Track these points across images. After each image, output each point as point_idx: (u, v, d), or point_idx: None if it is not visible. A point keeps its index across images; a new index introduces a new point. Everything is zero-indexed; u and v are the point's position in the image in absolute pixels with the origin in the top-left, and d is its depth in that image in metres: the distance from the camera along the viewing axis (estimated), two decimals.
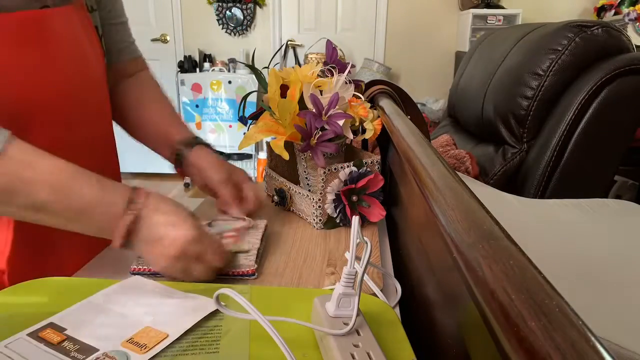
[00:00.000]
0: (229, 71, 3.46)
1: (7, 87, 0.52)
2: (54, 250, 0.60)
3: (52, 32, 0.57)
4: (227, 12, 3.51)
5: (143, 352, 0.38)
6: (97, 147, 0.66)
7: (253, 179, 3.46)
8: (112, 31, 0.73)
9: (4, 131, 0.46)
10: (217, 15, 3.52)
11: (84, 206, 0.47)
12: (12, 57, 0.52)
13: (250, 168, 3.62)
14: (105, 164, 0.68)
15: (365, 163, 0.69)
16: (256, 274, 0.54)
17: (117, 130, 0.75)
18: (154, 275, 0.53)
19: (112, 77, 0.73)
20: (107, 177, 0.49)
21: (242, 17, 3.52)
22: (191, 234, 0.49)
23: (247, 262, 0.55)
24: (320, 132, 0.64)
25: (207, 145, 0.72)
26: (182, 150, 0.70)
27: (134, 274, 0.54)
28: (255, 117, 0.76)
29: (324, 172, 0.66)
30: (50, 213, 0.47)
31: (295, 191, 0.73)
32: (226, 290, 0.38)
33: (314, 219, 0.69)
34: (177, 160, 0.71)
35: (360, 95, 0.73)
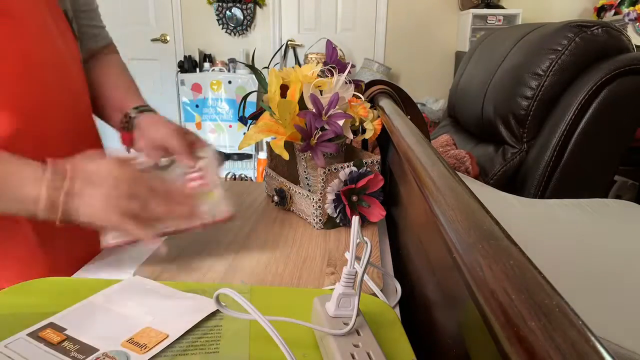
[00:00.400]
0: (229, 71, 3.46)
1: None
2: (54, 251, 0.59)
3: (12, 9, 0.54)
4: (227, 12, 3.51)
5: (143, 352, 0.38)
6: (73, 134, 0.63)
7: (253, 179, 3.47)
8: (83, 18, 0.72)
9: None
10: (217, 15, 3.52)
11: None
12: None
13: (250, 168, 3.62)
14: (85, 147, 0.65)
15: (365, 163, 0.69)
16: (235, 217, 0.53)
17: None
18: (130, 244, 0.51)
19: (83, 61, 0.71)
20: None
21: (242, 17, 3.52)
22: (119, 170, 0.48)
23: (222, 206, 0.53)
24: (320, 132, 0.64)
25: (154, 111, 0.70)
26: (132, 114, 0.67)
27: (110, 247, 0.52)
28: (255, 117, 0.76)
29: (324, 172, 0.66)
30: None
31: (295, 191, 0.73)
32: (226, 290, 0.38)
33: (314, 219, 0.69)
34: (127, 124, 0.67)
35: (360, 95, 0.73)
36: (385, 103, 0.84)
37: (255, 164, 3.50)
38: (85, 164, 0.49)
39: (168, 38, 3.60)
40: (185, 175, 0.58)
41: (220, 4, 3.49)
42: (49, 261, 0.59)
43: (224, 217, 0.52)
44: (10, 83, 0.53)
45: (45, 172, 0.47)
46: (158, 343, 0.39)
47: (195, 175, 0.57)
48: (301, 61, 3.52)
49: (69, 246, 0.60)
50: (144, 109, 0.68)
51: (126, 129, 0.67)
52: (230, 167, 3.66)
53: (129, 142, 0.67)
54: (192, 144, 0.63)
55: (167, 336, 0.39)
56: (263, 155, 3.32)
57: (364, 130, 0.73)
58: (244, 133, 0.71)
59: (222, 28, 3.56)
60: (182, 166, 0.59)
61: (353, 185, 0.67)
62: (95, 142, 0.70)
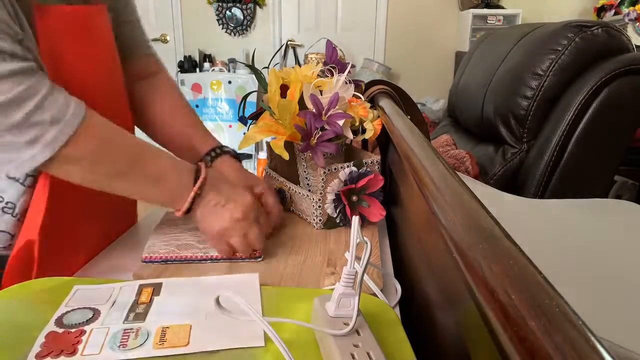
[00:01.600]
0: (229, 71, 3.46)
1: (64, 78, 0.52)
2: (80, 228, 0.61)
3: (95, 28, 0.59)
4: (227, 12, 3.51)
5: (158, 346, 0.38)
6: None
7: None
8: (127, 28, 0.72)
9: (81, 104, 0.48)
10: (217, 15, 3.52)
11: (159, 175, 0.53)
12: (70, 49, 0.54)
13: (250, 168, 3.62)
14: None
15: (365, 163, 0.69)
16: (262, 257, 0.58)
17: None
18: (164, 262, 0.56)
19: (127, 76, 0.72)
20: None
21: (242, 17, 3.52)
22: (251, 200, 0.57)
23: None
24: (320, 132, 0.64)
25: (230, 153, 0.72)
26: (207, 161, 0.70)
27: (146, 262, 0.56)
28: (255, 117, 0.76)
29: (324, 172, 0.66)
30: (126, 181, 0.52)
31: (295, 191, 0.73)
32: (227, 291, 0.38)
33: (314, 219, 0.69)
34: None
35: (360, 95, 0.73)
36: (385, 103, 0.84)
37: (255, 164, 3.50)
38: (228, 189, 0.57)
39: (168, 38, 3.60)
40: None
41: (220, 4, 3.48)
42: (77, 235, 0.61)
43: (251, 254, 0.58)
44: (96, 98, 0.56)
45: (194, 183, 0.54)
46: (174, 346, 0.39)
47: None
48: (301, 61, 3.52)
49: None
50: (213, 153, 0.71)
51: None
52: None
53: None
54: (258, 197, 0.68)
55: (187, 344, 0.39)
56: (263, 155, 3.31)
57: (364, 130, 0.73)
58: (244, 133, 0.71)
59: (222, 28, 3.56)
60: None
61: (353, 185, 0.67)
62: None
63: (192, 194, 0.53)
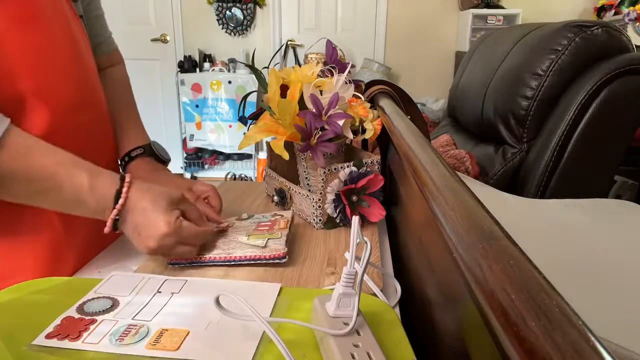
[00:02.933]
0: (229, 71, 3.46)
1: (5, 69, 0.51)
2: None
3: (47, 15, 0.56)
4: (227, 12, 3.51)
5: (150, 346, 0.39)
6: (93, 134, 0.66)
7: (253, 179, 3.47)
8: (90, 24, 0.72)
9: (5, 120, 0.47)
10: (217, 15, 3.52)
11: (76, 197, 0.50)
12: (11, 37, 0.51)
13: (250, 168, 3.62)
14: (100, 150, 0.67)
15: (365, 163, 0.69)
16: (287, 257, 0.57)
17: None
18: (190, 264, 0.57)
19: None
20: (101, 165, 0.53)
21: (242, 17, 3.52)
22: (164, 231, 0.52)
23: (277, 246, 0.58)
24: (320, 132, 0.64)
25: (146, 155, 0.72)
26: (123, 162, 0.72)
27: (171, 263, 0.57)
28: (255, 117, 0.76)
29: (324, 172, 0.66)
30: (44, 200, 0.50)
31: (295, 191, 0.73)
32: (228, 292, 0.38)
33: (314, 219, 0.69)
34: (123, 168, 0.72)
35: (360, 95, 0.73)
36: (385, 103, 0.84)
37: (255, 164, 3.50)
38: (144, 215, 0.53)
39: (168, 38, 3.60)
40: (258, 223, 0.66)
41: (220, 4, 3.48)
42: (74, 247, 0.60)
43: (277, 254, 0.56)
44: (48, 87, 0.55)
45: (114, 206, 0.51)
46: (165, 349, 0.39)
47: (265, 223, 0.66)
48: (301, 61, 3.52)
49: (93, 230, 0.60)
50: (133, 153, 0.71)
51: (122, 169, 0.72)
52: (230, 167, 3.66)
53: None
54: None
55: (177, 349, 0.39)
56: (263, 155, 3.32)
57: (364, 130, 0.73)
58: (244, 133, 0.71)
59: (222, 28, 3.55)
60: (257, 217, 0.69)
61: (353, 185, 0.67)
62: (107, 138, 0.71)
63: (110, 221, 0.51)
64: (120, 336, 0.40)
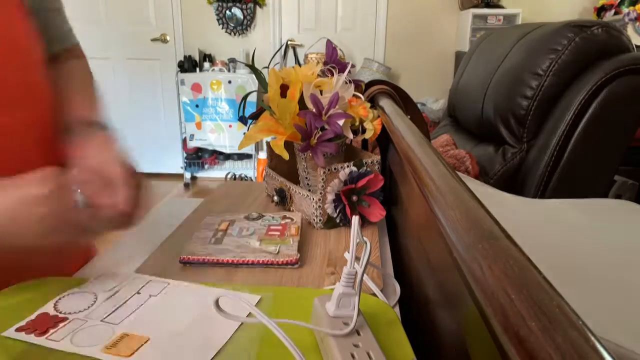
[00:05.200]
0: (229, 71, 3.46)
1: None
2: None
3: None
4: (227, 12, 3.51)
5: (106, 350, 0.39)
6: (34, 132, 0.59)
7: (253, 179, 3.46)
8: (46, 18, 0.67)
9: None
10: (217, 15, 3.52)
11: None
12: None
13: (250, 168, 3.62)
14: (41, 149, 0.60)
15: (365, 163, 0.69)
16: (299, 263, 0.57)
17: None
18: (203, 264, 0.57)
19: (48, 62, 0.67)
20: (37, 166, 0.47)
21: (242, 17, 3.52)
22: (45, 187, 0.46)
23: (290, 252, 0.58)
24: (320, 132, 0.64)
25: (103, 131, 0.61)
26: (70, 132, 0.60)
27: (183, 262, 0.57)
28: (255, 117, 0.76)
29: (324, 172, 0.66)
30: None
31: (295, 191, 0.73)
32: (229, 293, 0.38)
33: (314, 219, 0.69)
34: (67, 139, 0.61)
35: (360, 95, 0.73)
36: (385, 103, 0.84)
37: (255, 164, 3.50)
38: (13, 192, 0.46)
39: (168, 38, 3.60)
40: (269, 226, 0.66)
41: (220, 4, 3.48)
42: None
43: (288, 260, 0.57)
44: None
45: None
46: (132, 353, 0.39)
47: (275, 227, 0.66)
48: (301, 61, 3.52)
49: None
50: (83, 125, 0.60)
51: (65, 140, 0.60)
52: (230, 167, 3.66)
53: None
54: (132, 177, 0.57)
55: (130, 355, 0.39)
56: (263, 155, 3.32)
57: (364, 130, 0.73)
58: (244, 133, 0.71)
59: (222, 28, 3.56)
60: (267, 218, 0.69)
61: (353, 185, 0.67)
62: (48, 139, 0.62)
63: None
64: (82, 337, 0.41)
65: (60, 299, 0.47)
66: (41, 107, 0.62)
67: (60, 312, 0.44)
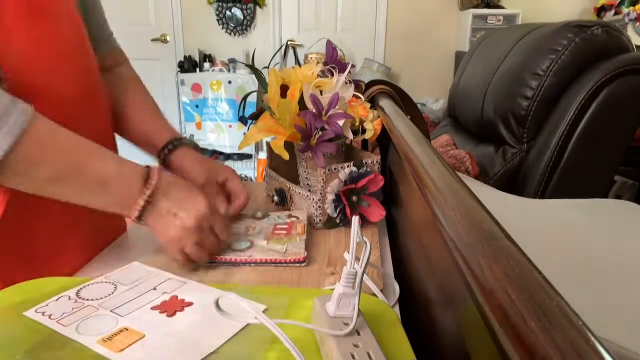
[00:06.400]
0: (229, 71, 3.46)
1: (17, 58, 0.49)
2: (48, 251, 0.58)
3: (55, 8, 0.55)
4: (227, 12, 3.51)
5: (102, 342, 0.39)
6: (98, 128, 0.64)
7: (253, 179, 3.46)
8: (91, 21, 0.69)
9: (28, 106, 0.46)
10: (217, 15, 3.52)
11: (101, 181, 0.49)
12: (23, 28, 0.50)
13: (250, 168, 3.62)
14: (106, 145, 0.65)
15: (365, 163, 0.69)
16: (307, 261, 0.57)
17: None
18: (209, 263, 0.57)
19: None
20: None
21: (242, 17, 3.52)
22: (205, 208, 0.53)
23: (297, 250, 0.58)
24: (320, 132, 0.64)
25: (189, 144, 0.71)
26: (164, 155, 0.70)
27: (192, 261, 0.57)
28: (255, 117, 0.76)
29: (324, 172, 0.66)
30: (68, 186, 0.49)
31: (295, 191, 0.73)
32: (229, 292, 0.38)
33: (314, 219, 0.69)
34: (164, 164, 0.71)
35: (360, 95, 0.73)
36: (385, 103, 0.84)
37: (255, 164, 3.50)
38: (180, 196, 0.54)
39: (168, 38, 3.60)
40: (275, 225, 0.66)
41: (220, 4, 3.48)
42: (78, 240, 0.60)
43: (297, 258, 0.57)
44: (55, 83, 0.54)
45: (143, 190, 0.51)
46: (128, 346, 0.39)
47: (282, 226, 0.66)
48: (301, 61, 3.52)
49: (67, 247, 0.60)
50: (170, 144, 0.69)
51: (163, 164, 0.70)
52: None
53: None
54: (223, 184, 0.68)
55: (121, 351, 0.39)
56: (263, 155, 3.32)
57: (364, 130, 0.73)
58: (244, 133, 0.71)
59: (222, 28, 3.56)
60: (273, 217, 0.69)
61: (353, 185, 0.67)
62: (109, 140, 0.69)
63: (142, 202, 0.50)
64: (88, 325, 0.41)
65: (85, 286, 0.48)
66: (104, 102, 0.66)
67: (79, 298, 0.45)
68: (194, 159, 0.69)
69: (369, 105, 0.73)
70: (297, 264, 0.57)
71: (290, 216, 0.69)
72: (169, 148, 0.69)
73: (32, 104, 0.49)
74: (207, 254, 0.56)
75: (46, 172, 0.47)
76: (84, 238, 0.61)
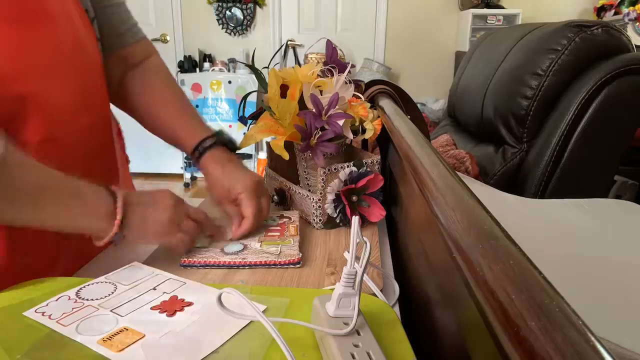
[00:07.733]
0: (229, 71, 3.46)
1: (4, 68, 0.48)
2: (48, 251, 0.58)
3: (49, 10, 0.54)
4: (227, 12, 3.51)
5: (102, 342, 0.39)
6: (94, 137, 0.63)
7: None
8: (109, 14, 0.68)
9: (1, 138, 0.44)
10: (217, 15, 3.52)
11: (74, 193, 0.50)
12: (10, 34, 0.49)
13: (250, 168, 3.61)
14: (101, 153, 0.65)
15: (365, 163, 0.69)
16: (301, 262, 0.57)
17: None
18: (204, 266, 0.57)
19: (118, 66, 0.69)
20: (100, 168, 0.54)
21: (242, 17, 3.52)
22: (172, 200, 0.56)
23: (291, 252, 0.58)
24: (320, 132, 0.64)
25: (217, 145, 0.68)
26: (195, 161, 0.69)
27: (184, 265, 0.57)
28: (255, 117, 0.76)
29: (324, 172, 0.66)
30: (38, 224, 0.49)
31: (295, 191, 0.73)
32: (229, 290, 0.38)
33: (314, 219, 0.69)
34: (197, 160, 0.70)
35: (360, 95, 0.73)
36: (385, 103, 0.84)
37: (255, 164, 3.50)
38: (148, 198, 0.56)
39: (168, 38, 3.60)
40: (267, 227, 0.67)
41: (220, 4, 3.49)
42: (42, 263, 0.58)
43: (292, 260, 0.57)
44: (50, 87, 0.54)
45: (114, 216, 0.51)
46: (130, 344, 0.39)
47: (274, 228, 0.66)
48: (301, 61, 3.52)
49: (65, 247, 0.60)
50: (198, 150, 0.68)
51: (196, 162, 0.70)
52: None
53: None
54: (237, 202, 0.65)
55: (121, 351, 0.39)
56: (263, 155, 3.32)
57: (364, 130, 0.73)
58: (244, 133, 0.71)
59: (222, 28, 3.56)
60: (266, 219, 0.69)
61: (353, 185, 0.67)
62: (108, 140, 0.68)
63: (115, 228, 0.50)
64: (88, 324, 0.41)
65: (84, 286, 0.48)
66: (104, 109, 0.66)
67: (79, 299, 0.46)
68: (218, 172, 0.66)
69: (369, 105, 0.73)
70: (292, 266, 0.57)
71: (282, 217, 0.69)
72: (196, 155, 0.68)
73: (23, 114, 0.50)
74: (192, 240, 0.58)
75: (10, 212, 0.46)
76: (79, 243, 0.59)
